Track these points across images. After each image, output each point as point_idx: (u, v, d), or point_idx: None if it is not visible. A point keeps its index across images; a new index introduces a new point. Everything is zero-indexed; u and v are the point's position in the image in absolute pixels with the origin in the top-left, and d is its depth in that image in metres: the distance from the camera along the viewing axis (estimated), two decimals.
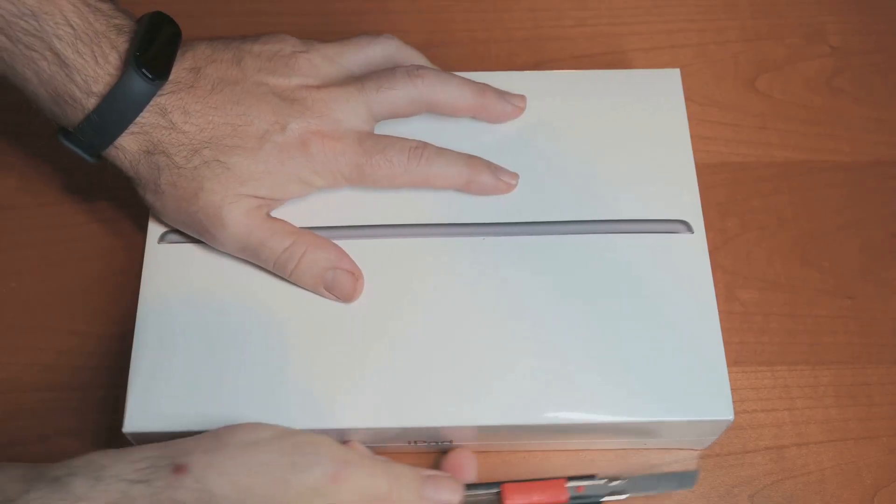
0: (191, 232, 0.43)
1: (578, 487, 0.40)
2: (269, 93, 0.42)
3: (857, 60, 0.55)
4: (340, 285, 0.42)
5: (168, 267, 0.43)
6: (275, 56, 0.43)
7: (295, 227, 0.43)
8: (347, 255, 0.43)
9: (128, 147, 0.41)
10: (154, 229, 0.44)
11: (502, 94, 0.46)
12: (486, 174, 0.44)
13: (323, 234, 0.44)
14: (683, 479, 0.42)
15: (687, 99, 0.48)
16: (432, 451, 0.44)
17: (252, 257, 0.43)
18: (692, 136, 0.47)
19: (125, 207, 0.50)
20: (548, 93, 0.48)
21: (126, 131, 0.41)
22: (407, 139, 0.44)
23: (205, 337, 0.41)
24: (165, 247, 0.44)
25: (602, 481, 0.40)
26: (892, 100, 0.54)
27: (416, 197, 0.45)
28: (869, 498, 0.44)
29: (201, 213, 0.42)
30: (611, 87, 0.48)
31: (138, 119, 0.40)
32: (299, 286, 0.43)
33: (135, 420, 0.40)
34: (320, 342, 0.41)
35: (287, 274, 0.42)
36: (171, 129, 0.41)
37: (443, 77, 0.45)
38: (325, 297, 0.42)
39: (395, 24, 0.56)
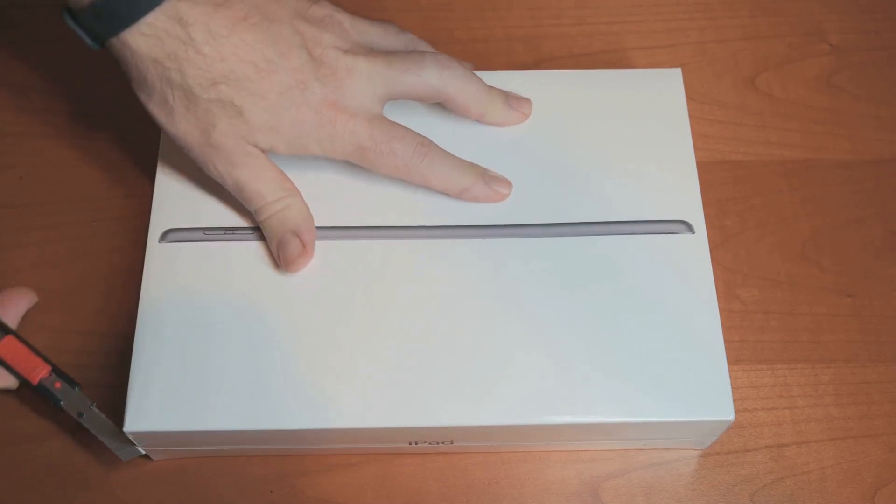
0: (190, 152, 0.42)
1: (56, 383, 0.42)
2: (301, 45, 0.41)
3: (857, 59, 0.55)
4: (288, 250, 0.43)
5: (168, 267, 0.43)
6: (310, 6, 0.42)
7: (290, 182, 0.44)
8: (313, 231, 0.43)
9: (136, 48, 0.39)
10: (154, 229, 0.44)
11: (510, 102, 0.46)
12: (480, 185, 0.44)
13: (324, 234, 0.44)
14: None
15: (687, 97, 0.48)
16: (432, 451, 0.44)
17: (239, 196, 0.43)
18: (692, 135, 0.47)
19: (125, 207, 0.50)
20: (548, 92, 0.48)
21: (136, 29, 0.38)
22: (415, 134, 0.44)
23: (205, 337, 0.41)
24: (165, 246, 0.44)
25: (77, 390, 0.42)
26: (892, 98, 0.54)
27: (417, 198, 0.45)
28: (869, 496, 0.44)
29: (210, 149, 0.41)
30: (612, 87, 0.48)
31: (151, 19, 0.38)
32: (262, 231, 0.44)
33: (135, 420, 0.40)
34: (321, 342, 0.41)
35: (259, 219, 0.43)
36: (188, 44, 0.39)
37: (467, 75, 0.45)
38: (274, 254, 0.43)
39: (396, 23, 0.55)
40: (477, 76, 0.45)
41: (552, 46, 0.55)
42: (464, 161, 0.45)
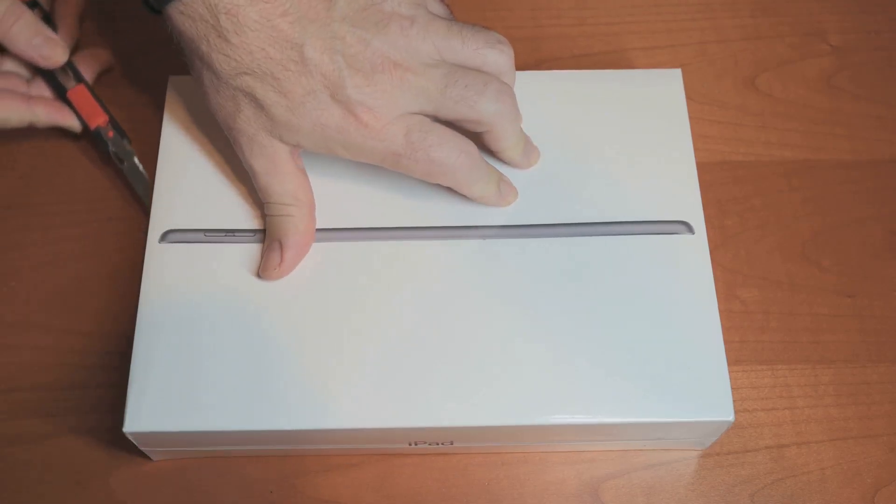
0: (220, 123, 0.42)
1: (110, 132, 0.50)
2: (337, 50, 0.39)
3: (857, 59, 0.55)
4: (267, 258, 0.43)
5: (168, 267, 0.43)
6: (371, 6, 0.40)
7: (304, 191, 0.43)
8: (299, 249, 0.43)
9: (176, 23, 0.39)
10: (154, 230, 0.44)
11: (528, 150, 0.45)
12: (495, 194, 0.44)
13: (325, 235, 0.44)
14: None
15: (687, 98, 0.48)
16: (432, 451, 0.44)
17: (254, 184, 0.43)
18: (692, 135, 0.47)
19: (125, 207, 0.50)
20: (548, 93, 0.48)
21: (175, 6, 0.39)
22: (455, 140, 0.41)
23: (205, 337, 0.41)
24: (165, 247, 0.44)
25: (126, 142, 0.50)
26: (893, 98, 0.54)
27: (417, 199, 0.45)
28: (869, 497, 0.44)
29: (235, 132, 0.42)
30: (612, 88, 0.48)
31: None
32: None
33: (135, 420, 0.40)
34: (321, 342, 0.41)
35: (265, 213, 0.43)
36: (218, 31, 0.38)
37: (514, 112, 0.43)
38: (263, 251, 0.43)
39: None
40: (519, 114, 0.44)
41: (552, 47, 0.55)
42: (489, 166, 0.44)
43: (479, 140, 0.43)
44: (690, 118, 0.47)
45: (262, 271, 0.43)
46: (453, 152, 0.41)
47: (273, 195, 0.43)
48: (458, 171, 0.42)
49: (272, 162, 0.42)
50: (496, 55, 0.43)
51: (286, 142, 0.41)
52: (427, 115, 0.41)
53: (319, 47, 0.39)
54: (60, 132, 0.52)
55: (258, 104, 0.40)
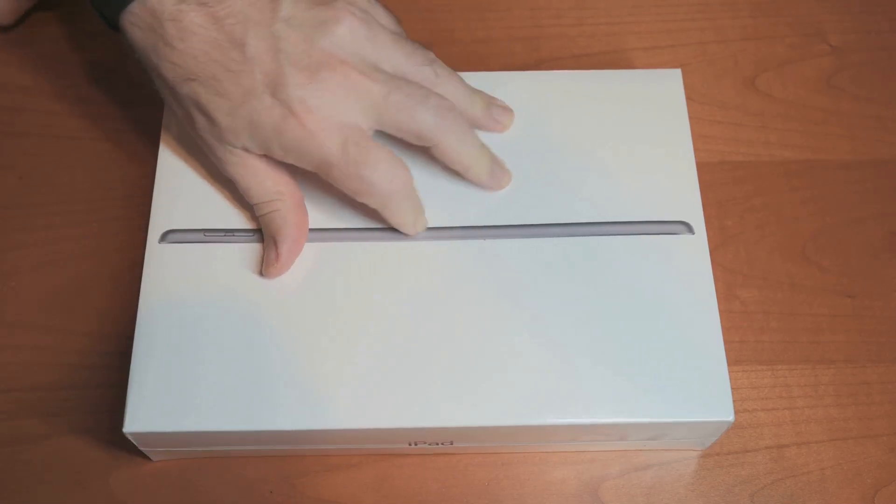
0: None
1: None
2: (278, 49, 0.39)
3: (857, 59, 0.55)
4: (266, 255, 0.43)
5: (168, 267, 0.43)
6: (318, 6, 0.40)
7: (285, 183, 0.42)
8: (293, 241, 0.42)
9: (129, 35, 0.40)
10: (154, 230, 0.44)
11: (494, 169, 0.44)
12: (420, 228, 0.44)
13: (324, 236, 0.44)
14: None
15: (687, 98, 0.48)
16: (432, 451, 0.44)
17: (235, 184, 0.43)
18: (692, 135, 0.47)
19: (125, 207, 0.50)
20: (548, 93, 0.48)
21: (125, 17, 0.39)
22: (390, 166, 0.41)
23: (205, 337, 0.41)
24: (165, 247, 0.44)
25: None
26: (893, 98, 0.54)
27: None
28: (869, 497, 0.44)
29: (200, 141, 0.42)
30: (612, 88, 0.48)
31: (135, 8, 0.38)
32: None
33: (135, 420, 0.40)
34: (321, 342, 0.41)
35: (255, 211, 0.43)
36: (162, 39, 0.39)
37: (462, 129, 0.42)
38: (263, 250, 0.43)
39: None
40: (475, 134, 0.43)
41: (552, 47, 0.55)
42: (417, 201, 0.43)
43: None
44: (690, 118, 0.47)
45: (262, 269, 0.43)
46: (384, 176, 0.41)
47: (254, 196, 0.43)
48: (385, 196, 0.41)
49: (240, 165, 0.42)
50: (431, 70, 0.42)
51: (235, 146, 0.41)
52: (368, 128, 0.41)
53: (262, 46, 0.39)
54: (60, 132, 0.52)
55: (203, 110, 0.40)
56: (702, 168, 0.48)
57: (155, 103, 0.47)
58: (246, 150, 0.41)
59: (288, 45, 0.39)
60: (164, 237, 0.44)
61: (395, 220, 0.43)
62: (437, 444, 0.43)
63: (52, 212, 0.50)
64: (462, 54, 0.55)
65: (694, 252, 0.44)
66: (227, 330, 0.42)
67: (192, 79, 0.39)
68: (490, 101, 0.46)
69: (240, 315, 0.42)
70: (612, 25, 0.56)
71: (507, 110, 0.46)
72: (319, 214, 0.44)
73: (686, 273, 0.43)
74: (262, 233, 0.44)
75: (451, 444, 0.43)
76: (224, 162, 0.42)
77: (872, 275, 0.49)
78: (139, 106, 0.52)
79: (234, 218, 0.44)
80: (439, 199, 0.45)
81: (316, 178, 0.44)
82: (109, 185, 0.50)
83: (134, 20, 0.39)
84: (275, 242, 0.43)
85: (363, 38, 0.40)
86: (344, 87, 0.40)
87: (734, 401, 0.41)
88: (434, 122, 0.41)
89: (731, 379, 0.41)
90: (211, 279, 0.43)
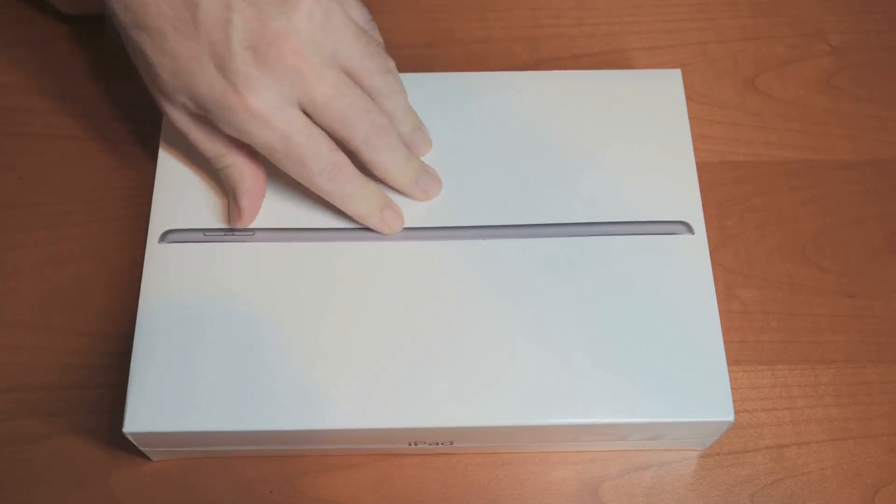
0: None
1: None
2: (233, 22, 0.38)
3: (857, 59, 0.55)
4: (230, 211, 0.44)
5: (168, 267, 0.43)
6: None
7: (227, 138, 0.42)
8: (250, 196, 0.43)
9: None
10: (154, 230, 0.44)
11: (420, 181, 0.44)
12: (376, 217, 0.43)
13: (326, 235, 0.44)
14: None
15: (687, 98, 0.48)
16: (432, 451, 0.44)
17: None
18: (692, 135, 0.47)
19: (125, 207, 0.50)
20: (548, 93, 0.48)
21: None
22: (330, 152, 0.41)
23: (205, 337, 0.41)
24: (165, 247, 0.44)
25: None
26: (893, 98, 0.54)
27: (417, 201, 0.45)
28: (869, 497, 0.44)
29: (150, 91, 0.42)
30: (611, 88, 0.48)
31: None
32: None
33: (135, 420, 0.40)
34: (320, 342, 0.41)
35: (212, 165, 0.43)
36: None
37: (391, 147, 0.42)
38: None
39: (395, 23, 0.56)
40: (402, 147, 0.43)
41: (552, 47, 0.55)
42: (372, 187, 0.43)
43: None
44: (690, 118, 0.47)
45: (230, 222, 0.44)
46: (322, 162, 0.41)
47: (205, 151, 0.43)
48: (328, 184, 0.41)
49: (185, 122, 0.42)
50: (382, 80, 0.42)
51: (176, 102, 0.41)
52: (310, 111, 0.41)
53: (214, 14, 0.38)
54: (60, 132, 0.52)
55: (147, 62, 0.40)
56: (702, 168, 0.48)
57: (156, 103, 0.47)
58: (187, 108, 0.41)
59: (240, 19, 0.38)
60: (164, 237, 0.44)
61: (352, 212, 0.43)
62: (437, 444, 0.43)
63: (52, 212, 0.50)
64: (462, 54, 0.55)
65: (694, 252, 0.44)
66: (226, 330, 0.42)
67: (142, 27, 0.39)
68: (419, 127, 0.45)
69: (240, 315, 0.42)
70: (612, 25, 0.56)
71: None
72: (320, 214, 0.44)
73: (686, 273, 0.43)
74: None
75: (451, 444, 0.43)
76: (169, 116, 0.42)
77: (872, 275, 0.49)
78: (139, 107, 0.52)
79: None
80: (439, 199, 0.45)
81: None
82: (109, 185, 0.50)
83: None
84: (235, 197, 0.43)
85: (320, 26, 0.39)
86: (290, 77, 0.39)
87: (734, 401, 0.41)
88: (365, 137, 0.41)
89: (731, 379, 0.41)
90: (211, 279, 0.43)
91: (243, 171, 0.43)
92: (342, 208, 0.43)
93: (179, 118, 0.42)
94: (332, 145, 0.41)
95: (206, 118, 0.41)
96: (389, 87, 0.43)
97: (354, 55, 0.41)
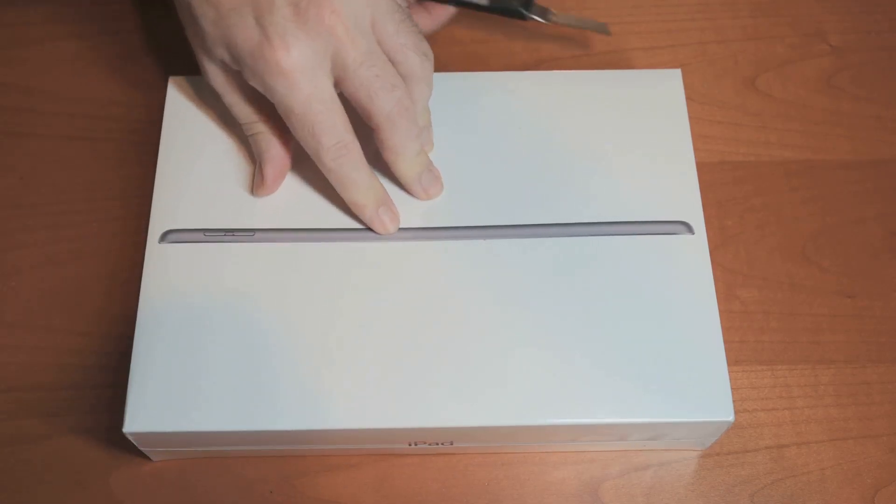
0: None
1: None
2: None
3: (857, 59, 0.55)
4: (255, 176, 0.44)
5: (168, 267, 0.43)
6: None
7: (260, 105, 0.43)
8: (274, 166, 0.44)
9: None
10: (154, 230, 0.44)
11: (422, 179, 0.44)
12: (371, 210, 0.43)
13: (326, 235, 0.44)
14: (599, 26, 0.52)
15: (687, 98, 0.48)
16: (432, 451, 0.44)
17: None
18: (692, 135, 0.47)
19: (125, 207, 0.50)
20: (548, 93, 0.48)
21: None
22: (343, 132, 0.41)
23: (205, 337, 0.41)
24: (165, 247, 0.44)
25: None
26: (893, 98, 0.54)
27: (418, 199, 0.45)
28: (869, 497, 0.44)
29: (194, 52, 0.43)
30: (611, 88, 0.48)
31: None
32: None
33: (135, 420, 0.40)
34: (321, 342, 0.41)
35: (244, 132, 0.45)
36: None
37: (407, 128, 0.42)
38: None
39: None
40: (418, 138, 0.43)
41: (552, 47, 0.55)
42: (374, 181, 0.43)
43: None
44: (690, 118, 0.47)
45: (253, 190, 0.44)
46: (332, 139, 0.41)
47: (238, 115, 0.44)
48: (333, 162, 0.41)
49: (222, 80, 0.42)
50: (418, 61, 0.42)
51: (214, 57, 0.41)
52: (331, 83, 0.41)
53: None
54: (60, 132, 0.52)
55: (193, 13, 0.41)
56: (701, 168, 0.48)
57: (155, 103, 0.47)
58: (225, 64, 0.42)
59: None
60: (164, 237, 0.44)
61: (348, 198, 0.43)
62: (437, 444, 0.43)
63: (52, 212, 0.50)
64: (462, 54, 0.55)
65: (694, 252, 0.44)
66: (226, 330, 0.42)
67: None
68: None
69: (240, 315, 0.42)
70: (612, 25, 0.56)
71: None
72: (320, 214, 0.44)
73: (686, 273, 0.43)
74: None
75: (451, 444, 0.43)
76: (207, 73, 0.43)
77: (872, 275, 0.49)
78: (139, 106, 0.52)
79: (234, 218, 0.44)
80: (439, 199, 0.45)
81: (317, 178, 0.44)
82: (109, 185, 0.50)
83: None
84: (260, 164, 0.44)
85: (363, 1, 0.40)
86: (323, 37, 0.39)
87: (734, 401, 0.41)
88: (389, 113, 0.41)
89: (731, 379, 0.41)
90: (211, 279, 0.43)
91: (271, 141, 0.44)
92: (340, 192, 0.43)
93: (217, 76, 0.43)
94: (349, 126, 0.41)
95: (241, 77, 0.41)
96: (424, 71, 0.43)
97: (388, 29, 0.41)
